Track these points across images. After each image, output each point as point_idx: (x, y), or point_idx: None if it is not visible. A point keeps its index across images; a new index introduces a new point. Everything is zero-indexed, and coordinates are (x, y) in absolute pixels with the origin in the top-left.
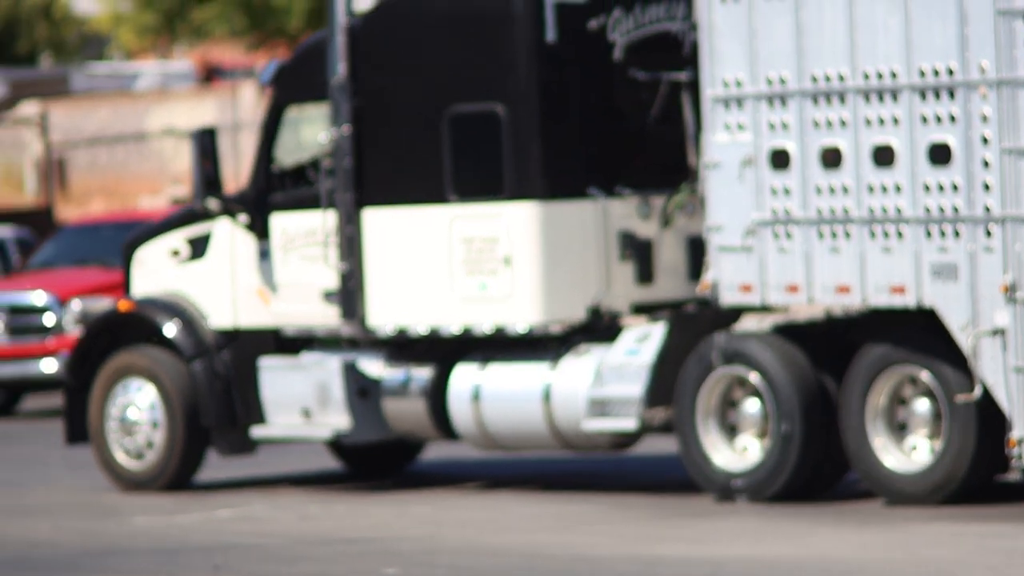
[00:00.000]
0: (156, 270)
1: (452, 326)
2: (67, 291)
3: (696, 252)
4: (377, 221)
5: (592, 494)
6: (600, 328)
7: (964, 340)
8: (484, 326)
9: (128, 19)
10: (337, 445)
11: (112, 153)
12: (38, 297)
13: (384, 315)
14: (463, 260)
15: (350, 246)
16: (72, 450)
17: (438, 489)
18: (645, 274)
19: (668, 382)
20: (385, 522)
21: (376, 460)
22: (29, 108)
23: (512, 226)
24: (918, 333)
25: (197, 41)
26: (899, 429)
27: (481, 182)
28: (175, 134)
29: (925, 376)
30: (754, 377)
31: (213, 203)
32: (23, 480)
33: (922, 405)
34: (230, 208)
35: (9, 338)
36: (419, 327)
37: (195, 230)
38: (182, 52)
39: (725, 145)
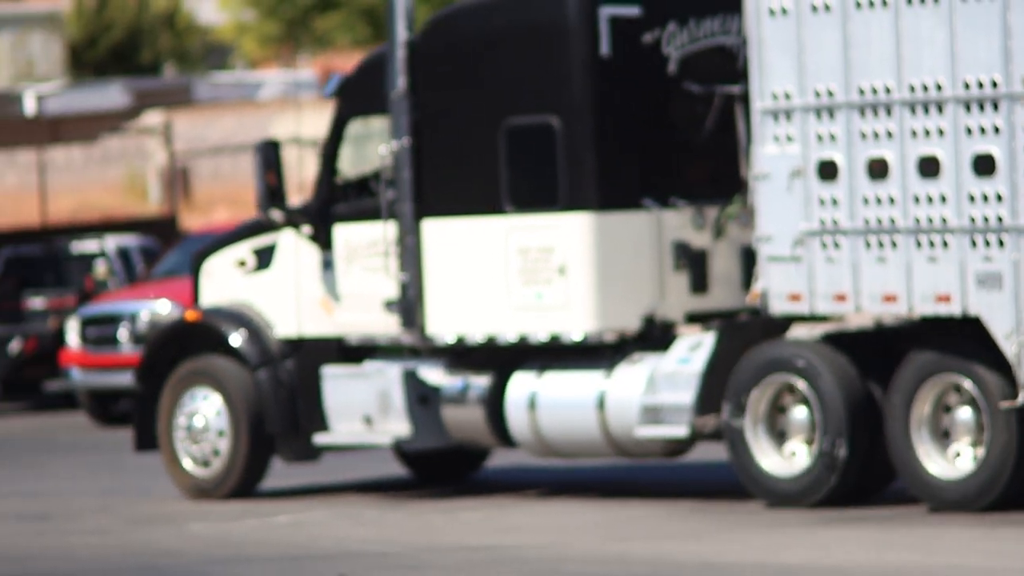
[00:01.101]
0: (223, 281)
1: (508, 335)
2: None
3: (749, 262)
4: (436, 232)
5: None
6: (654, 337)
7: (1008, 348)
8: (540, 335)
9: (251, 28)
10: (403, 452)
11: (235, 162)
12: (162, 306)
13: (443, 324)
14: (519, 270)
15: (410, 256)
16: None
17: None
18: (699, 284)
19: (718, 390)
20: (514, 527)
21: (441, 467)
22: (153, 118)
23: (567, 236)
24: (963, 341)
25: (320, 50)
26: (943, 436)
27: (537, 193)
28: (300, 143)
29: (968, 384)
30: (802, 385)
31: (277, 214)
32: (147, 488)
33: (965, 413)
34: (293, 219)
35: (133, 346)
36: (476, 336)
37: (261, 241)
38: (305, 61)
39: (774, 157)
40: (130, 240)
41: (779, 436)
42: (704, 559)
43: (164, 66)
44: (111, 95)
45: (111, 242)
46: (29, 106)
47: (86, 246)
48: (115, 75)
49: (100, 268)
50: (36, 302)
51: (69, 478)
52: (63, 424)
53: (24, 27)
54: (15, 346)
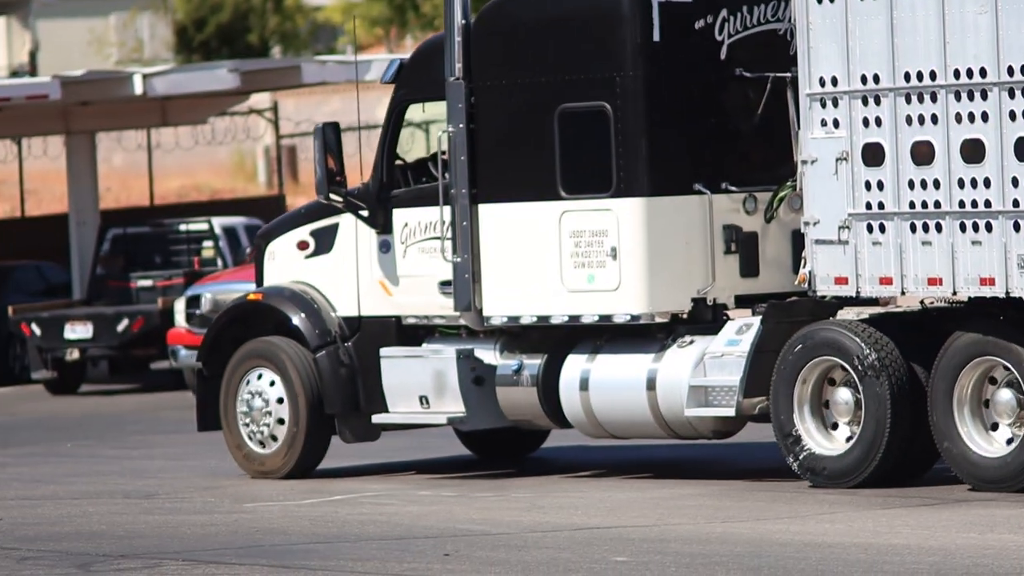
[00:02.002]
0: (285, 262)
1: (561, 316)
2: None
3: (800, 246)
4: (491, 215)
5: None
6: (705, 319)
7: None
8: (591, 316)
9: (359, 10)
10: (463, 433)
11: (343, 143)
12: None
13: (497, 306)
14: (572, 253)
15: (465, 239)
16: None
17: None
18: (750, 267)
19: (765, 371)
20: (613, 508)
21: (501, 447)
22: (260, 99)
23: (619, 220)
24: (1005, 324)
25: (427, 32)
26: (984, 417)
27: (590, 178)
28: (407, 125)
29: (1009, 365)
30: (847, 366)
31: (336, 197)
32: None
33: (1006, 394)
34: (352, 202)
35: None
36: (530, 317)
37: (322, 223)
38: (413, 43)
39: (821, 141)
40: (237, 220)
41: (824, 417)
42: (807, 540)
43: (271, 48)
44: (219, 76)
45: (218, 223)
46: (137, 87)
47: (193, 226)
48: (222, 56)
49: (207, 248)
50: (143, 282)
51: (175, 457)
52: (169, 403)
53: (132, 9)
54: (122, 326)
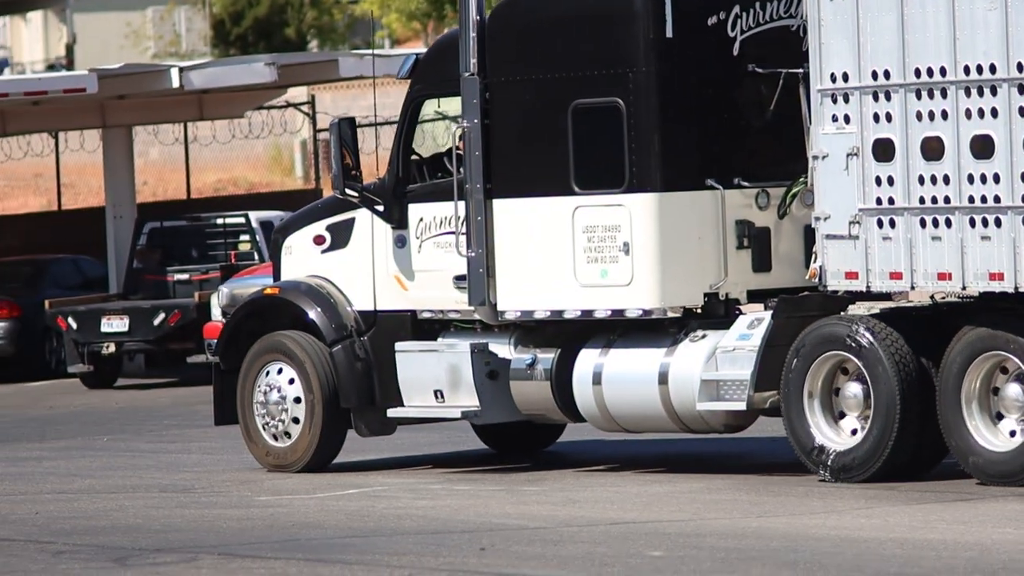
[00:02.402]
0: (302, 257)
1: (574, 311)
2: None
3: (812, 241)
4: (505, 210)
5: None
6: (717, 314)
7: None
8: (604, 311)
9: (396, 4)
10: (479, 427)
11: (380, 137)
12: None
13: (511, 300)
14: (585, 248)
15: (479, 234)
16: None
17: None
18: (762, 262)
19: (776, 366)
20: (649, 502)
21: (517, 441)
22: (297, 93)
23: (632, 216)
24: (1013, 319)
25: None
26: (992, 411)
27: (603, 173)
28: (446, 118)
29: (1018, 360)
30: (856, 361)
31: (351, 192)
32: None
33: (1014, 389)
34: (367, 197)
35: None
36: (543, 312)
37: (338, 218)
38: None
39: (832, 137)
40: (274, 214)
41: (835, 411)
42: (843, 534)
43: (308, 41)
44: (256, 70)
45: (255, 216)
46: (174, 81)
47: (230, 220)
48: (259, 50)
49: (244, 242)
50: (180, 276)
51: (211, 451)
52: (206, 397)
53: (170, 2)
54: (159, 320)
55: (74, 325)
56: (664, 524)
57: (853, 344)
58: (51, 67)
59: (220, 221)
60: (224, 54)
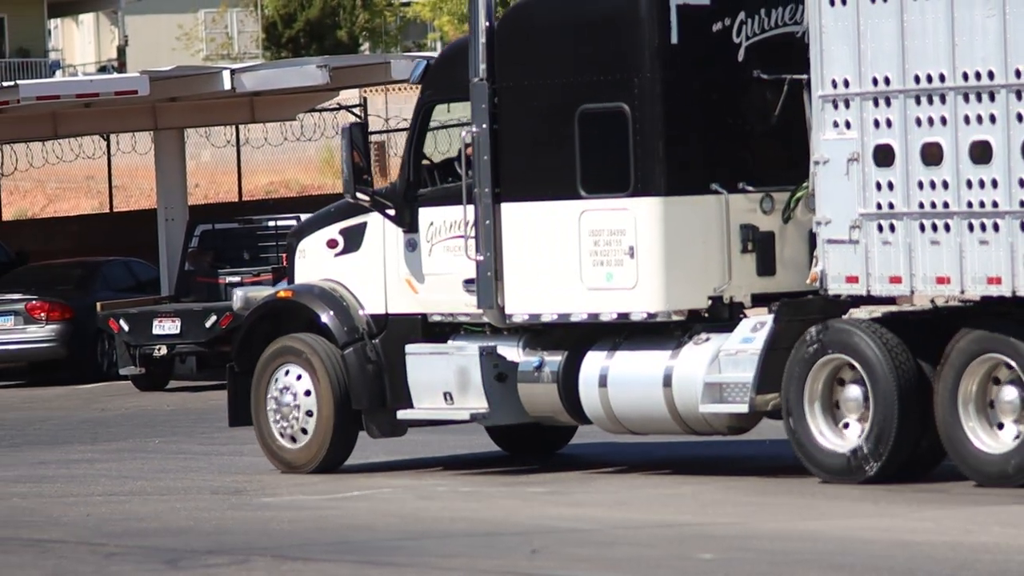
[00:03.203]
0: (316, 260)
1: (580, 314)
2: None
3: (815, 245)
4: (513, 214)
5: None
6: (722, 317)
7: None
8: (610, 314)
9: (447, 6)
10: (492, 429)
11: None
12: None
13: (519, 303)
14: (591, 251)
15: (487, 238)
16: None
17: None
18: (767, 266)
19: (778, 368)
20: (700, 504)
21: (530, 443)
22: (349, 95)
23: (637, 220)
24: (1009, 323)
25: None
26: (989, 414)
27: (609, 178)
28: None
29: (1013, 363)
30: (856, 364)
31: (362, 196)
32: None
33: (1010, 391)
34: (379, 201)
35: None
36: (550, 315)
37: (350, 222)
38: None
39: (833, 142)
40: None
41: (835, 414)
42: (894, 538)
43: (360, 44)
44: (308, 72)
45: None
46: (226, 83)
47: (282, 222)
48: (311, 52)
49: None
50: (231, 278)
51: (262, 453)
52: None
53: (222, 4)
54: (210, 322)
55: (126, 327)
56: (715, 527)
57: (853, 348)
58: (103, 69)
59: (271, 223)
60: (276, 56)
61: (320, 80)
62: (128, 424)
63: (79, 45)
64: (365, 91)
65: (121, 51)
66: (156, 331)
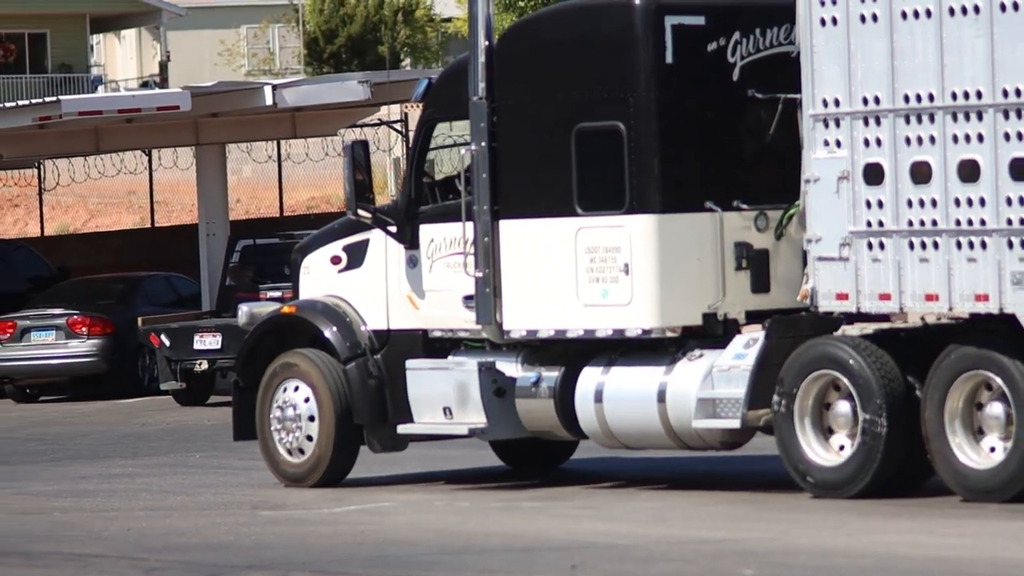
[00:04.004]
0: (320, 276)
1: (576, 331)
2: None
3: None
4: (511, 231)
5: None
6: (716, 334)
7: None
8: (606, 331)
9: None
10: (496, 443)
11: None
12: None
13: (516, 319)
14: (587, 268)
15: (486, 254)
16: (424, 448)
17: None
18: (761, 283)
19: (769, 384)
20: (738, 519)
21: (532, 457)
22: (391, 111)
23: (632, 237)
24: (995, 339)
25: None
26: (975, 430)
27: (604, 195)
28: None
29: (999, 380)
30: (846, 380)
31: (364, 213)
32: (382, 476)
33: (996, 408)
34: (380, 218)
35: None
36: (547, 331)
37: (353, 239)
38: None
39: (824, 161)
40: None
41: (825, 429)
42: (933, 553)
43: (402, 59)
44: (349, 88)
45: None
46: (267, 99)
47: None
48: (352, 68)
49: None
50: (272, 293)
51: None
52: None
53: (263, 20)
54: None
55: (167, 342)
56: (753, 542)
57: (842, 364)
58: (145, 85)
59: None
60: (317, 72)
61: (361, 96)
62: (169, 439)
63: (121, 61)
64: (406, 106)
65: (163, 66)
66: (197, 346)
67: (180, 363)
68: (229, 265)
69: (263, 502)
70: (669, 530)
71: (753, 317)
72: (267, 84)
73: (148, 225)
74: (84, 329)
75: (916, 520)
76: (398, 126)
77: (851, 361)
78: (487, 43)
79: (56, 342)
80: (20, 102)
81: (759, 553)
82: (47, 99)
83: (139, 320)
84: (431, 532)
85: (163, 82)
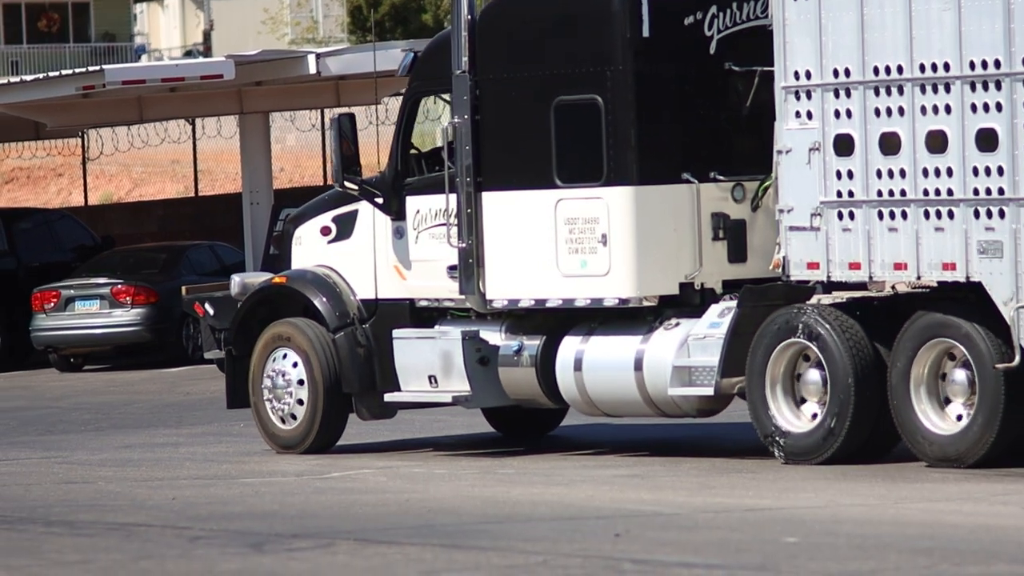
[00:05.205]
0: (311, 247)
1: (556, 300)
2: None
3: None
4: (493, 203)
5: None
6: (693, 304)
7: (1007, 312)
8: (584, 300)
9: None
10: (487, 410)
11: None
12: None
13: (499, 289)
14: (566, 239)
15: (469, 226)
16: (475, 416)
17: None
18: (738, 253)
19: (742, 353)
20: (785, 488)
21: (523, 424)
22: None
23: (609, 208)
24: (960, 307)
25: None
26: (940, 397)
27: (583, 167)
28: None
29: (964, 347)
30: (815, 349)
31: (351, 185)
32: (429, 444)
33: (960, 374)
34: (367, 190)
35: None
36: (528, 301)
37: (343, 210)
38: None
39: (795, 132)
40: None
41: (795, 396)
42: (979, 521)
43: (445, 27)
44: (393, 56)
45: None
46: (311, 67)
47: None
48: (396, 36)
49: None
50: None
51: (347, 436)
52: None
53: None
54: None
55: (211, 311)
56: (800, 511)
57: (813, 332)
58: (188, 54)
59: None
60: (361, 40)
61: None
62: (213, 408)
63: (164, 30)
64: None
65: (206, 35)
66: None
67: (224, 332)
68: (273, 234)
69: (307, 471)
70: (714, 498)
71: (730, 286)
72: (311, 53)
73: (192, 194)
74: (128, 298)
75: (961, 486)
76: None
77: (820, 330)
78: (470, 17)
79: (100, 311)
80: (64, 72)
81: (806, 522)
82: (91, 69)
83: (183, 289)
84: (477, 500)
85: (206, 51)
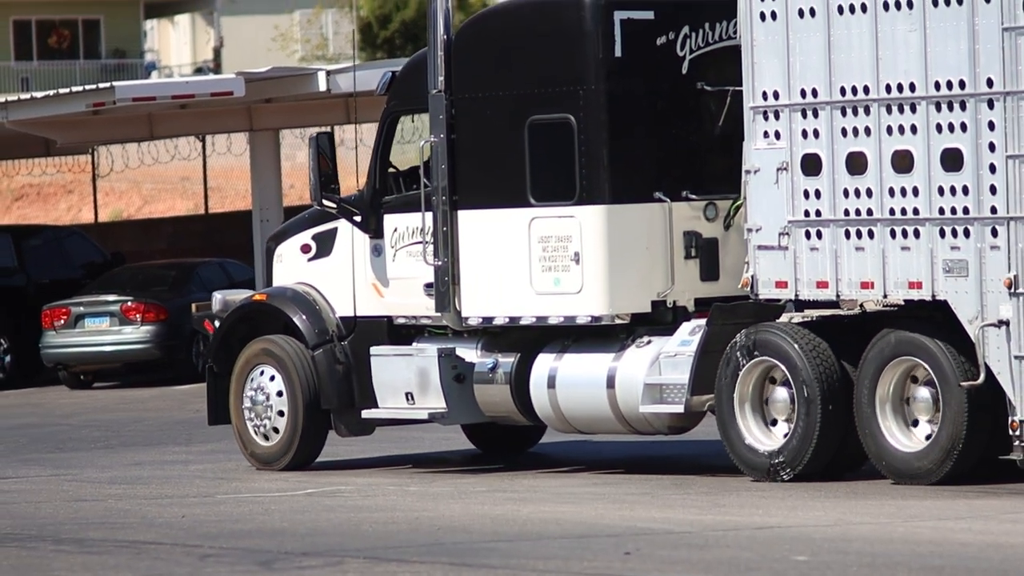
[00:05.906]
0: (290, 264)
1: (530, 317)
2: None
3: None
4: (468, 221)
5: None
6: (665, 321)
7: (971, 331)
8: (557, 318)
9: None
10: (467, 427)
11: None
12: None
13: (474, 307)
14: (540, 257)
15: (445, 244)
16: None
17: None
18: (710, 271)
19: (711, 370)
20: (794, 507)
21: (502, 442)
22: None
23: (582, 227)
24: (925, 325)
25: None
26: (905, 414)
27: (556, 186)
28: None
29: (928, 365)
30: (783, 367)
31: (328, 203)
32: (440, 461)
33: (924, 392)
34: (345, 208)
35: None
36: (502, 318)
37: (322, 228)
38: None
39: (763, 152)
40: None
41: (764, 415)
42: (989, 540)
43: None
44: None
45: None
46: (321, 84)
47: None
48: (406, 53)
49: None
50: None
51: (358, 455)
52: None
53: (317, 5)
54: None
55: None
56: (810, 529)
57: (779, 351)
58: (198, 70)
59: None
60: (371, 57)
61: None
62: (222, 426)
63: (175, 46)
64: None
65: (217, 52)
66: None
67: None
68: None
69: (317, 488)
70: (724, 516)
71: (703, 305)
72: (321, 70)
73: (202, 211)
74: (138, 316)
75: (972, 504)
76: None
77: (787, 348)
78: (445, 37)
79: (110, 328)
80: (74, 88)
81: (815, 540)
82: (101, 85)
83: (193, 306)
84: (486, 518)
85: (217, 68)
